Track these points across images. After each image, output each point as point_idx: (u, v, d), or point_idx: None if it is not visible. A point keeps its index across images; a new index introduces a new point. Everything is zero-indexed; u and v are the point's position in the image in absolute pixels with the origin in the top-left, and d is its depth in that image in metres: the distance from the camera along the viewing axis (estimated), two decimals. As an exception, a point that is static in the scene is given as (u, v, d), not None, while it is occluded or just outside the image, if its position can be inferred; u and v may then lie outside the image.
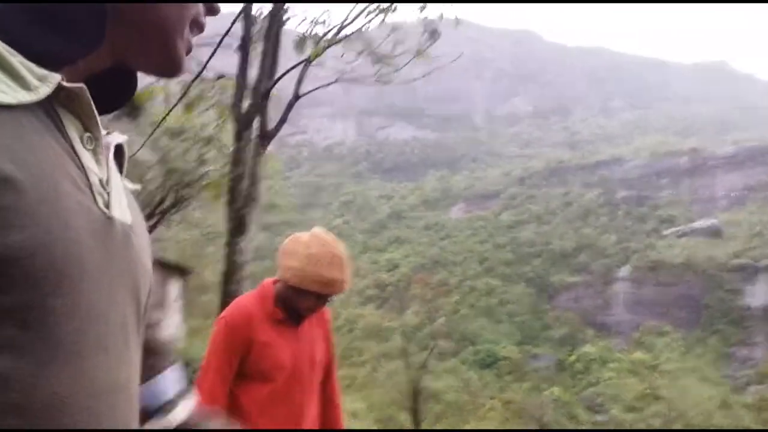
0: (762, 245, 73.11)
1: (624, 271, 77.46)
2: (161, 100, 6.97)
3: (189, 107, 6.80)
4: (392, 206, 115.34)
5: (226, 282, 5.23)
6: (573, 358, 62.94)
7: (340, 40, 6.04)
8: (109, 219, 0.50)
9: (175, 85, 6.87)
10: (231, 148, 6.47)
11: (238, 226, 5.27)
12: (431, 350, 44.50)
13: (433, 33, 5.62)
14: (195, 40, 0.58)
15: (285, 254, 1.88)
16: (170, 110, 7.12)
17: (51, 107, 0.47)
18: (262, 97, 5.57)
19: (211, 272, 24.70)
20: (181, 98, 6.64)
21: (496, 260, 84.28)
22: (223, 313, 1.87)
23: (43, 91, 0.44)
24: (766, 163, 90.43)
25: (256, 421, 1.79)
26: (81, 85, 0.48)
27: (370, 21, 6.16)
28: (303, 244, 1.86)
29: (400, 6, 6.48)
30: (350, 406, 36.83)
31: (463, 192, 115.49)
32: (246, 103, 5.67)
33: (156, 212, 23.43)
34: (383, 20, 6.44)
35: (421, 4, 5.52)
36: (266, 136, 5.45)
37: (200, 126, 17.38)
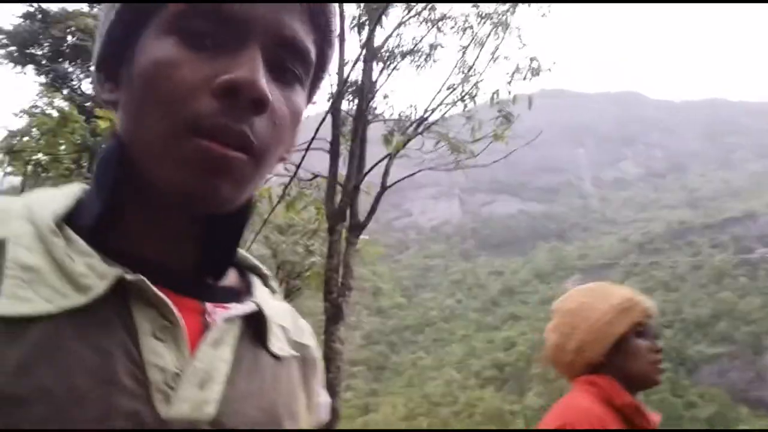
0: None
1: (775, 338, 68.84)
2: (266, 201, 7.65)
3: (290, 205, 7.38)
4: (503, 282, 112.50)
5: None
6: (726, 441, 55.64)
7: (421, 132, 6.40)
8: (163, 422, 0.43)
9: (276, 187, 7.56)
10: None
11: (334, 315, 5.53)
12: (558, 435, 41.46)
13: (507, 116, 5.82)
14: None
15: (571, 336, 1.47)
16: (273, 209, 7.77)
17: (122, 301, 0.44)
18: (351, 191, 5.96)
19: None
20: (281, 198, 7.26)
21: (622, 333, 78.38)
22: (563, 419, 1.39)
23: (94, 292, 0.42)
24: None
25: None
26: (139, 276, 0.45)
27: (449, 110, 6.51)
28: (570, 311, 1.50)
29: (479, 90, 6.82)
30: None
31: (577, 263, 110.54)
32: (338, 199, 6.08)
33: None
34: (465, 107, 6.79)
35: (495, 91, 5.77)
36: (357, 228, 5.78)
37: (307, 219, 18.59)
